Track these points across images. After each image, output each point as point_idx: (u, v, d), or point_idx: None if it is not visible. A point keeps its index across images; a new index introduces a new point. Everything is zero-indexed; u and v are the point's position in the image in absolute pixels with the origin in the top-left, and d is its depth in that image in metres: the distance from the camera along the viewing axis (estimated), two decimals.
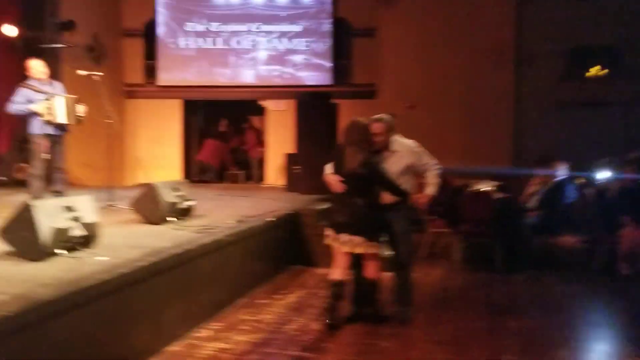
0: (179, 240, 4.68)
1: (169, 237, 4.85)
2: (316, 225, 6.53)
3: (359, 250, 4.29)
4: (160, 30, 10.82)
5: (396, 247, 4.53)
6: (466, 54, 9.67)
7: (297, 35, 10.52)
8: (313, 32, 10.47)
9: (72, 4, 9.56)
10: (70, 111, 6.23)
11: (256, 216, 6.01)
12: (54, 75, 7.37)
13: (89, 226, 4.30)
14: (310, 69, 10.51)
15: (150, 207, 5.52)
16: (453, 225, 6.74)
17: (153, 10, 10.85)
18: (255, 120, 11.98)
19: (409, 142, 4.57)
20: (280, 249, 6.24)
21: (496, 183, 7.25)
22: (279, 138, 10.64)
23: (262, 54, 10.66)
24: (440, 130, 9.44)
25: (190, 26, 10.76)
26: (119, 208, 6.32)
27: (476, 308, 5.14)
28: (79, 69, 9.02)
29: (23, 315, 2.85)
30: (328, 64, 10.45)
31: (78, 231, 4.19)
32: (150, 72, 11.13)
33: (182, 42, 10.80)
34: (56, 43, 9.44)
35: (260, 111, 11.41)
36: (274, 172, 10.84)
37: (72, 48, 9.37)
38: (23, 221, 3.96)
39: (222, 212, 6.40)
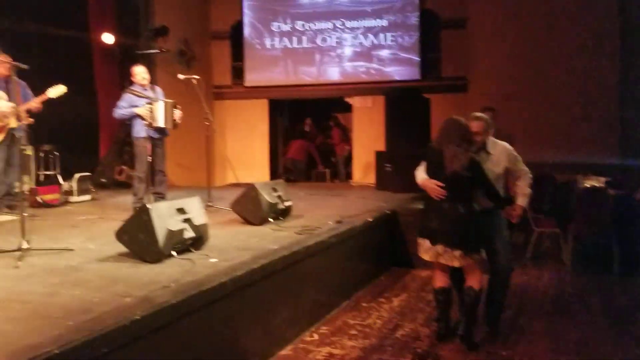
0: (284, 241, 4.64)
1: (273, 238, 4.84)
2: (416, 224, 6.36)
3: (456, 264, 3.88)
4: (247, 31, 10.95)
5: (495, 256, 4.13)
6: (566, 41, 9.09)
7: (383, 29, 10.30)
8: (399, 25, 10.21)
9: (164, 11, 9.86)
10: (169, 115, 6.38)
11: (354, 216, 5.89)
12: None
13: (198, 228, 4.35)
14: (398, 63, 10.26)
15: (251, 208, 5.53)
16: (562, 225, 6.31)
17: (239, 13, 10.99)
18: (340, 118, 11.90)
19: (506, 145, 4.22)
20: (380, 250, 6.10)
21: (604, 178, 6.73)
22: (365, 135, 10.49)
23: (348, 51, 10.53)
24: (540, 122, 8.93)
25: (275, 26, 10.81)
26: (217, 208, 6.39)
27: (597, 314, 4.77)
28: (173, 73, 9.33)
29: (150, 319, 2.87)
30: (416, 58, 10.15)
31: (189, 233, 4.25)
32: (237, 73, 11.29)
33: (267, 42, 10.88)
34: (150, 49, 9.78)
35: (345, 108, 11.30)
36: (360, 170, 10.70)
37: (164, 53, 9.68)
38: (139, 223, 4.04)
39: (318, 212, 6.34)
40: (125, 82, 10.45)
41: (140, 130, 6.43)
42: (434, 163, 3.94)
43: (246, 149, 11.12)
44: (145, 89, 6.53)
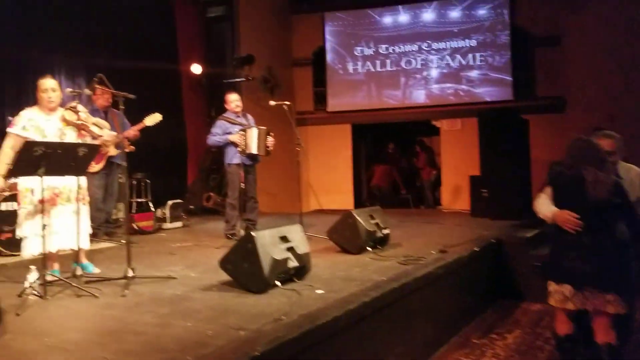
0: (388, 272, 4.38)
1: (375, 268, 4.60)
2: (523, 254, 5.93)
3: (610, 309, 3.26)
4: (329, 57, 10.92)
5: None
6: None
7: (472, 50, 9.93)
8: (489, 45, 9.82)
9: (249, 40, 10.01)
10: (262, 142, 6.35)
11: (458, 245, 5.52)
12: None
13: (302, 257, 4.17)
14: (488, 84, 9.83)
15: (348, 236, 5.32)
16: None
17: (321, 39, 11.00)
18: (426, 141, 11.51)
19: (636, 168, 3.78)
20: (487, 282, 5.69)
21: None
22: (454, 159, 10.07)
23: (434, 73, 10.22)
24: None
25: (358, 50, 10.71)
26: (311, 236, 6.20)
27: None
28: (257, 100, 9.42)
29: (269, 355, 2.69)
30: (508, 77, 9.70)
31: (293, 262, 4.08)
32: (319, 99, 11.25)
33: (350, 67, 10.79)
34: (236, 77, 9.94)
35: (431, 131, 10.96)
36: (450, 195, 10.24)
37: (249, 81, 9.79)
38: (244, 252, 3.92)
39: (416, 241, 6.05)
40: (212, 110, 10.72)
41: (233, 157, 6.43)
42: (568, 190, 3.43)
43: (329, 174, 10.95)
44: (238, 116, 6.56)
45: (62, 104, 4.57)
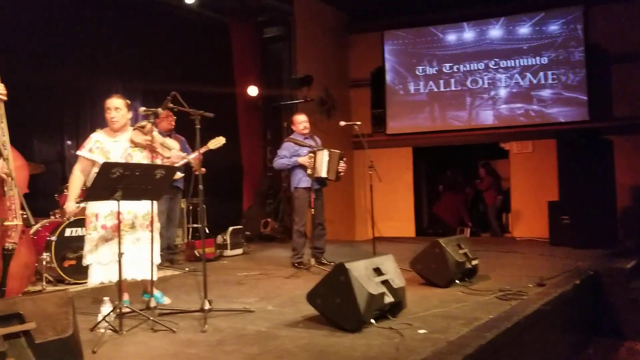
0: (492, 309, 3.95)
1: (474, 304, 4.15)
2: (623, 287, 5.37)
3: None
4: (389, 77, 10.48)
5: None
6: None
7: (543, 68, 9.35)
8: (562, 63, 9.24)
9: (306, 60, 9.73)
10: (333, 166, 6.01)
11: (554, 277, 5.00)
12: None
13: (397, 292, 3.75)
14: (562, 103, 9.22)
15: (435, 267, 4.87)
16: None
17: (380, 59, 10.59)
18: (492, 165, 10.84)
19: None
20: (584, 318, 5.13)
21: None
22: (525, 183, 9.42)
23: (503, 92, 9.68)
24: None
25: (420, 70, 10.26)
26: None
27: None
28: (314, 122, 9.09)
29: None
30: (583, 97, 9.08)
31: (389, 298, 3.66)
32: (377, 121, 10.80)
33: (411, 87, 10.33)
34: (293, 99, 9.68)
35: (496, 154, 10.35)
36: (520, 221, 9.57)
37: (307, 103, 9.50)
38: (336, 286, 3.54)
39: (504, 272, 5.58)
40: (268, 132, 10.48)
41: (301, 181, 6.11)
42: None
43: (388, 201, 10.38)
44: (306, 138, 6.26)
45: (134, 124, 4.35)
